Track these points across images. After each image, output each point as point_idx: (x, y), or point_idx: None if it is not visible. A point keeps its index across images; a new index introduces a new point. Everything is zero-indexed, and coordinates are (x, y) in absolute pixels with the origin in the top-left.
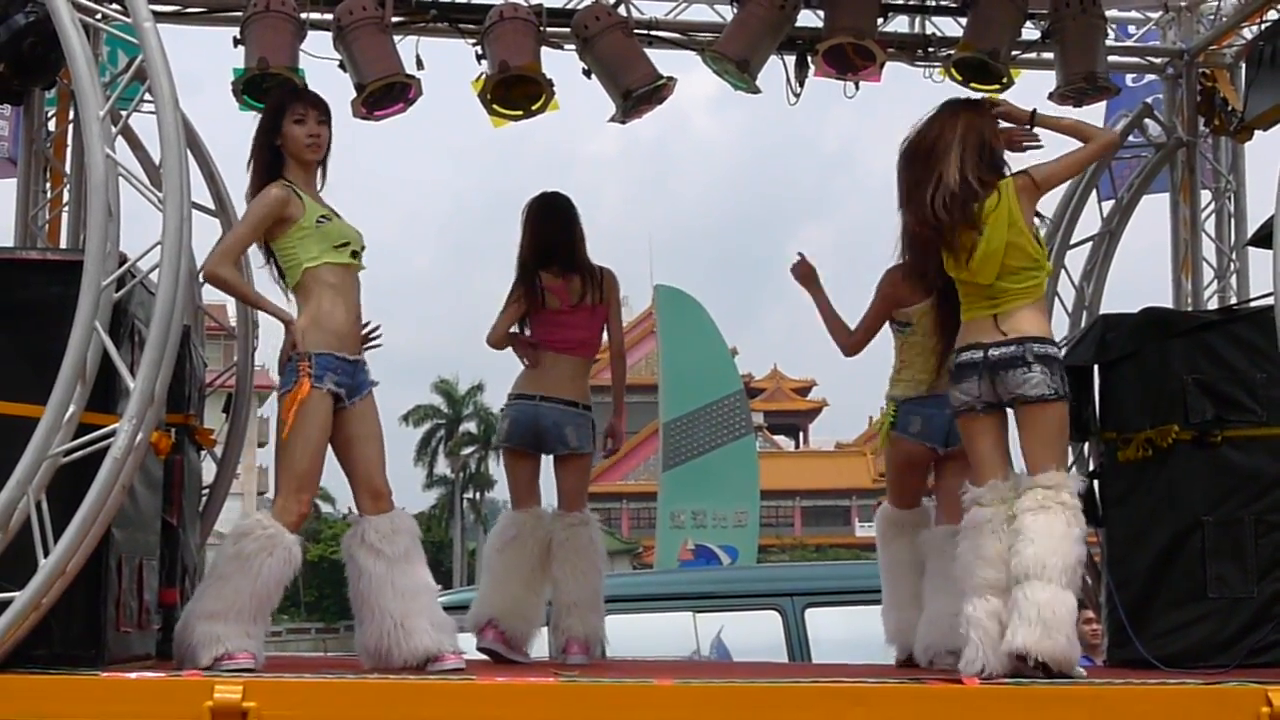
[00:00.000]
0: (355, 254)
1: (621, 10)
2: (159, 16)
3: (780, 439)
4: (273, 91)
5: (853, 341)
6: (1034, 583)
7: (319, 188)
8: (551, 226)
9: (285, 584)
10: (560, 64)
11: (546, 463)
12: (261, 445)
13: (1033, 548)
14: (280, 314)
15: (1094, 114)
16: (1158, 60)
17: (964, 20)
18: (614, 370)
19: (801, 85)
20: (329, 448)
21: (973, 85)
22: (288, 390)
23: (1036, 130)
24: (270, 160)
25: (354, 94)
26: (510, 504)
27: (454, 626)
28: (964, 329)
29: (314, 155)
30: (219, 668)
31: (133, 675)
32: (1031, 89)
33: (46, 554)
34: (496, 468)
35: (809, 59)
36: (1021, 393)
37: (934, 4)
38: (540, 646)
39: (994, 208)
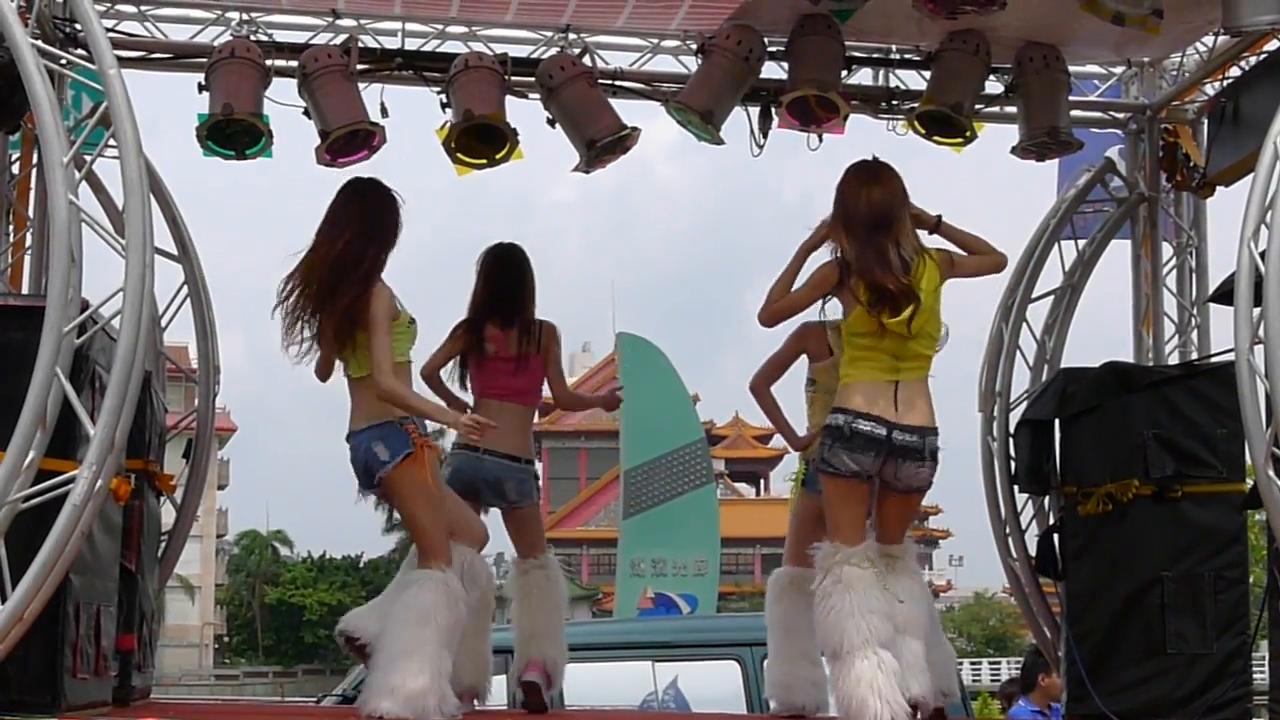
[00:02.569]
0: None
1: (586, 60)
2: (124, 62)
3: (741, 486)
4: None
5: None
6: (911, 639)
7: None
8: (505, 279)
9: None
10: (523, 111)
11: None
12: (221, 488)
13: (907, 608)
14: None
15: (1053, 168)
16: (1121, 115)
17: (927, 74)
18: (574, 408)
19: (765, 136)
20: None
21: (935, 139)
22: None
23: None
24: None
25: (318, 141)
26: None
27: None
28: (856, 389)
29: None
30: None
31: None
32: (994, 143)
33: (4, 600)
34: None
35: (773, 110)
36: (912, 484)
37: (898, 57)
38: (498, 692)
39: (924, 271)
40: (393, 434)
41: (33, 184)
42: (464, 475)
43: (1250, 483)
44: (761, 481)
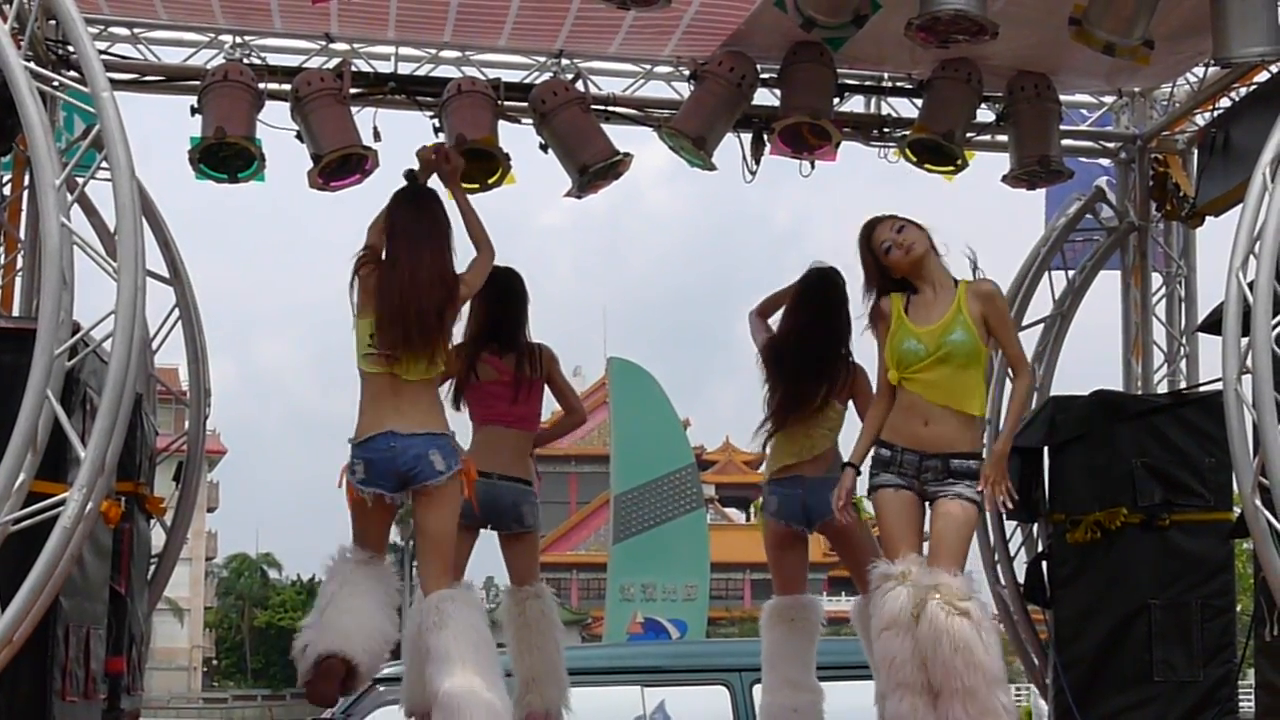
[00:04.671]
0: None
1: (579, 86)
2: (116, 85)
3: (731, 511)
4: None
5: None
6: None
7: None
8: (504, 306)
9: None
10: (515, 136)
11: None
12: (211, 510)
13: None
14: None
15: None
16: (1111, 145)
17: (919, 102)
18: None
19: (757, 163)
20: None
21: (927, 166)
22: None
23: None
24: None
25: (310, 164)
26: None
27: None
28: None
29: None
30: None
31: None
32: (985, 171)
33: None
34: None
35: (765, 137)
36: None
37: (890, 85)
38: None
39: None
40: (448, 447)
41: (24, 206)
42: (483, 502)
43: (1238, 512)
44: (752, 507)
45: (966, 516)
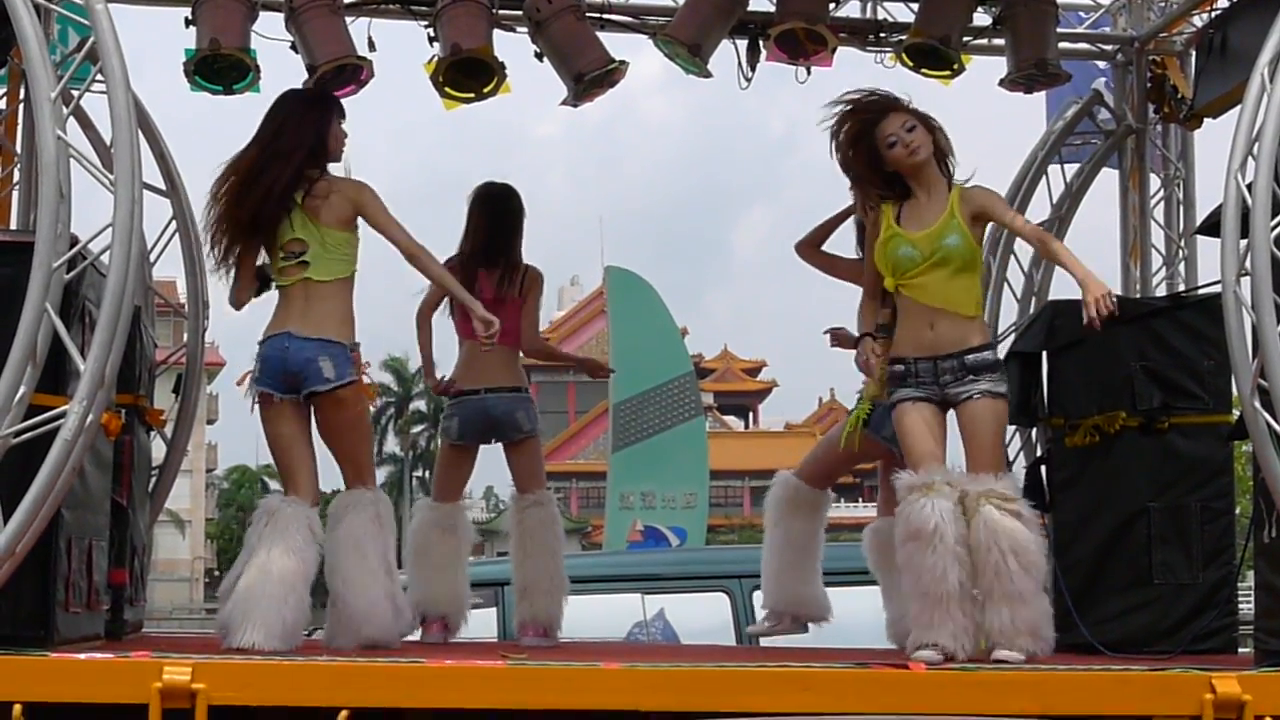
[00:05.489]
0: None
1: None
2: None
3: (730, 419)
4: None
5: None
6: None
7: None
8: (500, 223)
9: None
10: (510, 45)
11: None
12: (211, 422)
13: None
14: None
15: (1042, 100)
16: (1108, 47)
17: (915, 6)
18: (539, 357)
19: (753, 70)
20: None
21: (923, 71)
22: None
23: None
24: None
25: (305, 75)
26: (434, 495)
27: None
28: None
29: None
30: None
31: (82, 655)
32: (982, 75)
33: None
34: None
35: (761, 43)
36: None
37: None
38: (488, 625)
39: None
40: (342, 356)
41: (20, 119)
42: (474, 420)
43: (1237, 414)
44: (750, 415)
45: (996, 413)
